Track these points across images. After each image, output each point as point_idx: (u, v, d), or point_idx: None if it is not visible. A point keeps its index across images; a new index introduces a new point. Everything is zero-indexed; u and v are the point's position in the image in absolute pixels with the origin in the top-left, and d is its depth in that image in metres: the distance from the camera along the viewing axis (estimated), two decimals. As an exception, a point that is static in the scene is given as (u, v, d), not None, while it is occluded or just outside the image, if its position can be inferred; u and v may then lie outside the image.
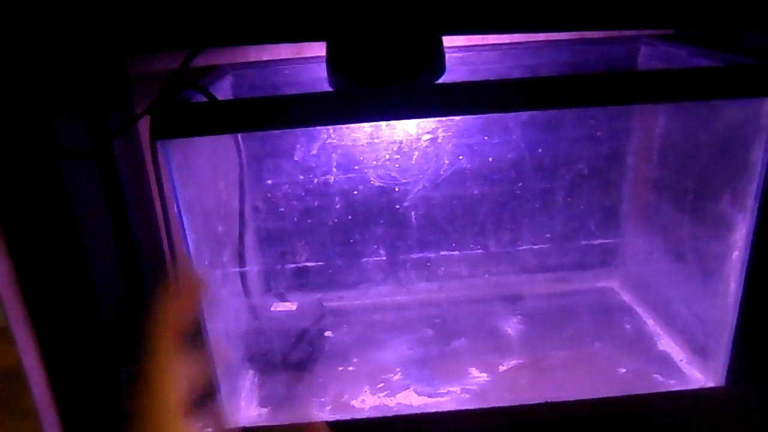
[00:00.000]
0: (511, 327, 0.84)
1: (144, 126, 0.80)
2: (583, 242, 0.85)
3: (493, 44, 0.80)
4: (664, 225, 0.81)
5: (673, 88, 0.58)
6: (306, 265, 0.79)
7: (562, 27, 0.65)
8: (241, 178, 0.65)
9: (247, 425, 0.69)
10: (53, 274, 0.64)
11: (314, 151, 0.67)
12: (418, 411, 0.70)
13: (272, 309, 0.80)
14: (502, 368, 0.77)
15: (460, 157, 0.71)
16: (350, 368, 0.78)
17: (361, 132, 0.66)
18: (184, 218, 0.59)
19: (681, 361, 0.76)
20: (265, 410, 0.72)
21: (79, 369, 0.68)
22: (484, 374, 0.76)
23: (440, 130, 0.68)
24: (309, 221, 0.74)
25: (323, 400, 0.73)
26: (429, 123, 0.67)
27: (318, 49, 0.81)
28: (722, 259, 0.67)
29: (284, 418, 0.70)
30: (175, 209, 0.58)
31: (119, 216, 0.74)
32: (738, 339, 0.67)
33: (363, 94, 0.54)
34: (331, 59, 0.57)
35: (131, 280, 0.77)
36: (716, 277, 0.68)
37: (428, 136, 0.67)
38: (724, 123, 0.66)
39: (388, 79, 0.55)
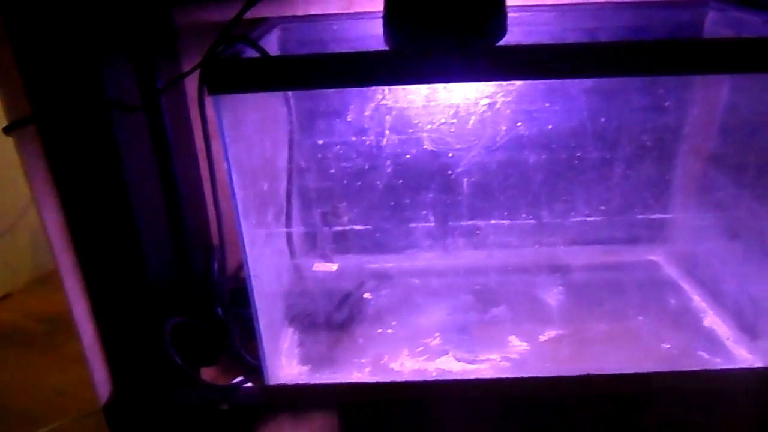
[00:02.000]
0: (554, 297, 0.82)
1: (190, 80, 0.80)
2: (634, 215, 0.83)
3: (552, 4, 0.76)
4: (719, 201, 0.78)
5: (741, 58, 0.55)
6: (352, 228, 0.78)
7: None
8: (290, 137, 0.64)
9: (288, 382, 0.70)
10: (102, 226, 0.65)
11: (368, 112, 0.65)
12: (457, 377, 0.70)
13: (313, 269, 0.80)
14: (542, 338, 0.76)
15: (518, 124, 0.68)
16: (389, 331, 0.78)
17: (417, 94, 0.64)
18: (234, 175, 0.58)
19: (728, 339, 0.74)
20: (305, 368, 0.73)
21: (126, 319, 0.69)
22: (524, 343, 0.75)
23: (499, 95, 0.65)
24: (358, 183, 0.72)
25: (363, 361, 0.73)
26: (488, 87, 0.65)
27: (368, 4, 0.79)
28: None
29: (323, 377, 0.71)
30: (225, 165, 0.58)
31: (165, 170, 0.74)
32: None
33: (422, 55, 0.52)
34: (390, 17, 0.55)
35: (176, 236, 0.77)
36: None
37: (486, 101, 0.65)
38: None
39: (449, 41, 0.53)
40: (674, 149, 0.82)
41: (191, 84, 0.81)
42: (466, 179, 0.71)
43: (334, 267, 0.81)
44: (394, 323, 0.79)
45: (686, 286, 0.84)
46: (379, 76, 0.52)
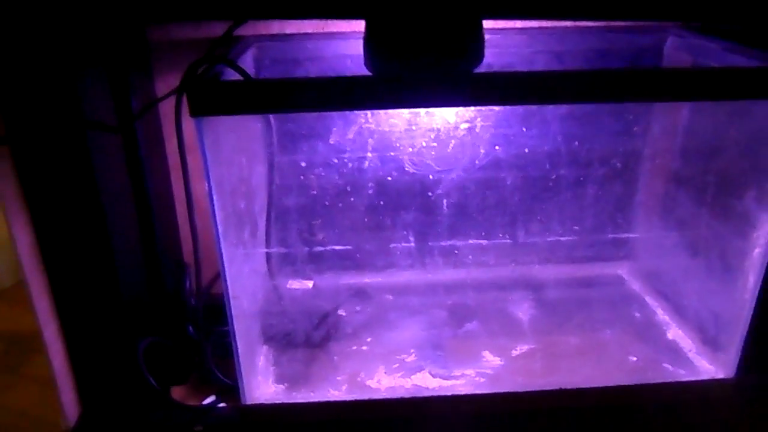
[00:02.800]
0: (525, 313, 0.84)
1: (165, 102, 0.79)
2: (601, 234, 0.86)
3: (520, 28, 0.79)
4: (681, 220, 0.81)
5: (700, 86, 0.58)
6: (329, 247, 0.79)
7: (602, 16, 0.64)
8: (270, 158, 0.64)
9: (264, 402, 0.70)
10: (75, 245, 0.63)
11: (350, 135, 0.66)
12: (433, 393, 0.71)
13: (288, 287, 0.80)
14: (515, 353, 0.78)
15: (496, 147, 0.70)
16: (365, 348, 0.79)
17: (399, 117, 0.65)
18: (214, 196, 0.58)
19: (690, 351, 0.78)
20: (281, 387, 0.73)
21: (97, 339, 0.68)
22: (497, 358, 0.77)
23: (478, 119, 0.67)
24: (338, 204, 0.73)
25: (339, 378, 0.74)
26: (467, 111, 0.66)
27: (343, 25, 0.80)
28: (742, 254, 0.67)
29: (300, 396, 0.71)
30: (206, 186, 0.58)
31: (139, 188, 0.73)
32: (752, 332, 0.68)
33: (408, 80, 0.53)
34: (370, 41, 0.56)
35: (148, 254, 0.76)
36: (734, 273, 0.69)
37: (465, 125, 0.67)
38: (753, 121, 0.67)
39: (428, 66, 0.54)
40: (638, 171, 0.86)
41: (166, 102, 0.81)
42: (444, 200, 0.73)
43: (309, 284, 0.81)
44: (369, 340, 0.80)
45: (650, 300, 0.88)
46: (365, 100, 0.53)
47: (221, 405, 0.73)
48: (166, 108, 0.81)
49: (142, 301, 0.76)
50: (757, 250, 0.66)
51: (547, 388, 0.71)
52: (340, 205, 0.70)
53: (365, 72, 0.57)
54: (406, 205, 0.75)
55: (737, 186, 0.68)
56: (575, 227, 0.86)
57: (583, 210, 0.82)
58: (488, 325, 0.82)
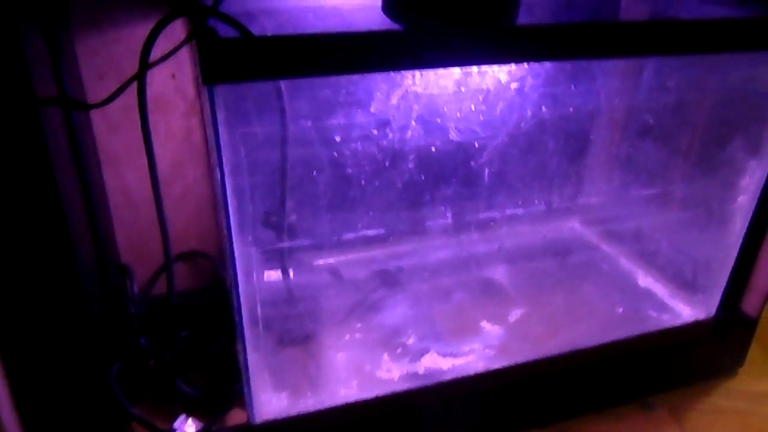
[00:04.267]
0: (503, 276, 0.83)
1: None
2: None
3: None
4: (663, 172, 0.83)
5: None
6: (296, 223, 0.69)
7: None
8: (283, 130, 0.53)
9: (276, 417, 0.61)
10: (31, 254, 0.48)
11: (387, 100, 0.56)
12: (452, 375, 0.67)
13: (264, 279, 0.70)
14: (511, 319, 0.76)
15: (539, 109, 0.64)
16: (358, 336, 0.72)
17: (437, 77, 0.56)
18: (228, 183, 0.47)
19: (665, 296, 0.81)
20: (283, 396, 0.64)
21: (67, 367, 0.54)
22: (496, 326, 0.74)
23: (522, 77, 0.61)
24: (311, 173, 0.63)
25: (345, 375, 0.66)
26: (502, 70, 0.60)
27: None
28: (726, 203, 0.71)
29: (310, 404, 0.63)
30: (217, 173, 0.46)
31: (83, 179, 0.58)
32: (735, 274, 0.72)
33: (453, 35, 0.46)
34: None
35: (99, 261, 0.62)
36: (717, 221, 0.72)
37: (513, 84, 0.60)
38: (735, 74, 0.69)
39: (465, 19, 0.48)
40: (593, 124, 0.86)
41: (88, 67, 0.65)
42: (486, 169, 0.66)
43: (288, 275, 0.71)
44: (359, 326, 0.73)
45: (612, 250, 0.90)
46: (405, 59, 0.45)
47: (226, 427, 0.62)
48: (89, 73, 0.65)
49: (109, 322, 0.62)
50: (742, 197, 0.69)
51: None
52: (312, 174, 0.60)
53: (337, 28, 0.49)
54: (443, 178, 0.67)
55: (719, 136, 0.71)
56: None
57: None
58: (475, 295, 0.79)
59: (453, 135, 0.61)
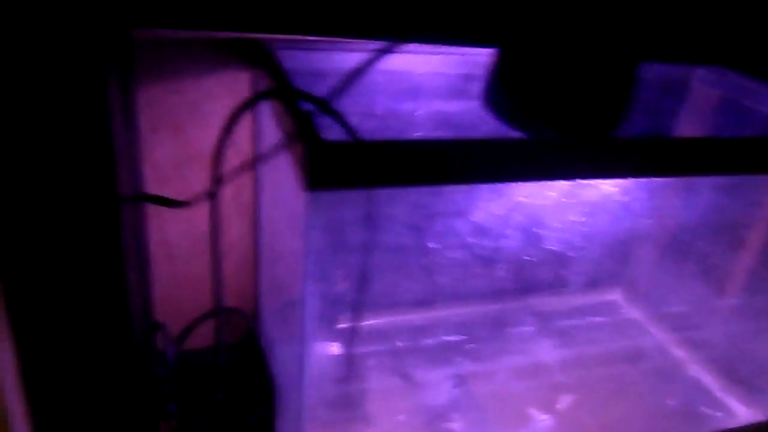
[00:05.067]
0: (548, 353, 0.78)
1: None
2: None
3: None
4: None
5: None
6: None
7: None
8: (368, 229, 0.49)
9: None
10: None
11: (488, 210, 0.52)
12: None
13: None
14: (559, 406, 0.72)
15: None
16: (401, 418, 0.67)
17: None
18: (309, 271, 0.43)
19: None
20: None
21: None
22: (546, 416, 0.70)
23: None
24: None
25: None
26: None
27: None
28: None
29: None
30: (301, 269, 0.42)
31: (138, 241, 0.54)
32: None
33: (575, 146, 0.42)
34: (511, 83, 0.44)
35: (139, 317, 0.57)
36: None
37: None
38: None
39: (584, 127, 0.45)
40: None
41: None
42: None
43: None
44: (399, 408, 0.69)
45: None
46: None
47: None
48: (145, 124, 0.61)
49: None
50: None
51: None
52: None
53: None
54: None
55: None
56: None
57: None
58: (519, 375, 0.75)
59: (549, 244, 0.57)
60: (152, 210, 0.66)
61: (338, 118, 0.41)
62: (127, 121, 0.56)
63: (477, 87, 0.49)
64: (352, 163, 0.37)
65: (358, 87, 0.60)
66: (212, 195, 0.47)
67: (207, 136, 0.64)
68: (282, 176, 0.46)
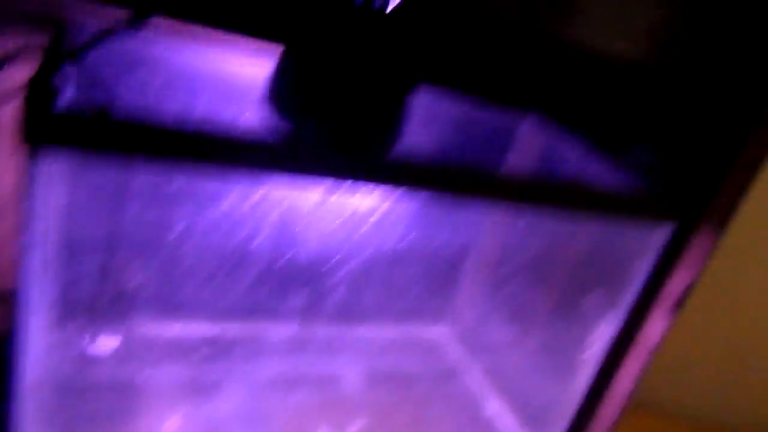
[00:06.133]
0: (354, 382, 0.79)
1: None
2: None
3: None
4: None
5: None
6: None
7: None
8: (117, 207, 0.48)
9: None
10: None
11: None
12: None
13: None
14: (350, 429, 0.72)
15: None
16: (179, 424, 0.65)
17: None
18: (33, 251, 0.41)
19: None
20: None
21: None
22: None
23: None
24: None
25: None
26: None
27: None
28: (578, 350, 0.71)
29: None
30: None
31: None
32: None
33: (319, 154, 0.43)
34: (287, 86, 0.46)
35: None
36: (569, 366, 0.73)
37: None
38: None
39: (355, 134, 0.46)
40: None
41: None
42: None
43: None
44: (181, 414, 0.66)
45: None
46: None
47: None
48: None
49: None
50: (590, 348, 0.70)
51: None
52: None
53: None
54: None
55: (581, 288, 0.72)
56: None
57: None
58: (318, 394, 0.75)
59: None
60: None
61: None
62: None
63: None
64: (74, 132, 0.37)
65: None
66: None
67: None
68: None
